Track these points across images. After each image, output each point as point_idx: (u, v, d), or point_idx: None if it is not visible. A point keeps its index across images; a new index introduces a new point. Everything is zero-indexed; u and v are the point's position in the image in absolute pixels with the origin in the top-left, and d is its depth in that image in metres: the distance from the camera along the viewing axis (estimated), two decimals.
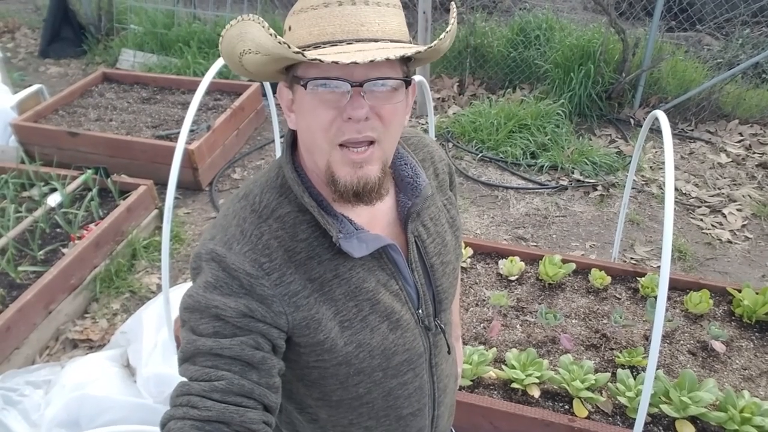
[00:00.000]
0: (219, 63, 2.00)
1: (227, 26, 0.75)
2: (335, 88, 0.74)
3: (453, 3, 0.87)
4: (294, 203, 0.84)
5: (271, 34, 0.69)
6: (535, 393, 1.93)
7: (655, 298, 1.41)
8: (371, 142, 0.77)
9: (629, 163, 3.46)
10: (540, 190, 3.64)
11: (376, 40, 0.74)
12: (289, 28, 0.78)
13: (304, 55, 0.68)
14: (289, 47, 0.68)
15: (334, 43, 0.73)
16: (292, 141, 0.88)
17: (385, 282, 0.88)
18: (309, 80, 0.74)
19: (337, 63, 0.67)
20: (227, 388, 0.75)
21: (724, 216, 3.39)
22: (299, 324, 0.82)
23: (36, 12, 6.65)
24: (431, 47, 0.76)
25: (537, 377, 1.93)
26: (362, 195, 0.79)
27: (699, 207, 3.47)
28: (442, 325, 0.98)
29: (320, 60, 0.68)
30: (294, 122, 0.83)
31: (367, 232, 0.85)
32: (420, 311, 0.93)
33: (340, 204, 0.84)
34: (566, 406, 1.93)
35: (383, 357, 0.89)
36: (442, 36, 0.79)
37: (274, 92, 1.40)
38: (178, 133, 2.19)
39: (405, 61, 0.79)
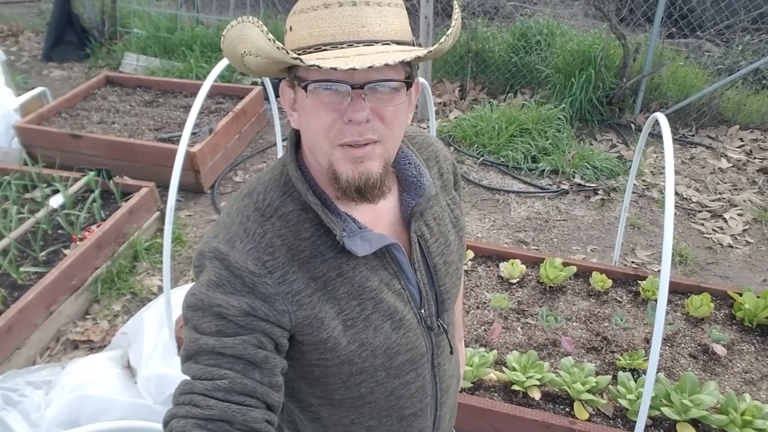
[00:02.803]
0: (221, 66, 2.00)
1: (228, 27, 0.76)
2: (336, 89, 0.74)
3: (456, 3, 0.87)
4: (297, 201, 0.84)
5: (269, 39, 0.68)
6: (536, 395, 1.93)
7: (656, 301, 1.41)
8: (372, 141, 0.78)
9: (630, 167, 3.46)
10: (541, 194, 3.64)
11: (376, 41, 0.74)
12: (290, 29, 0.77)
13: (302, 61, 0.68)
14: (288, 53, 0.68)
15: (334, 45, 0.73)
16: (295, 139, 0.88)
17: (387, 281, 0.88)
18: (309, 82, 0.74)
19: (335, 69, 0.67)
20: (230, 387, 0.75)
21: (725, 221, 3.39)
22: (302, 322, 0.82)
23: (39, 16, 6.67)
24: (431, 51, 0.76)
25: (538, 379, 1.93)
26: (364, 191, 0.79)
27: (700, 212, 3.47)
28: (445, 326, 0.98)
29: (318, 66, 0.67)
30: (296, 121, 0.83)
31: (371, 231, 0.85)
32: (422, 311, 0.93)
33: (344, 202, 0.84)
34: (567, 409, 1.93)
35: (386, 356, 0.89)
36: (442, 39, 0.79)
37: (277, 95, 1.41)
38: (180, 135, 2.20)
39: (407, 62, 0.79)
